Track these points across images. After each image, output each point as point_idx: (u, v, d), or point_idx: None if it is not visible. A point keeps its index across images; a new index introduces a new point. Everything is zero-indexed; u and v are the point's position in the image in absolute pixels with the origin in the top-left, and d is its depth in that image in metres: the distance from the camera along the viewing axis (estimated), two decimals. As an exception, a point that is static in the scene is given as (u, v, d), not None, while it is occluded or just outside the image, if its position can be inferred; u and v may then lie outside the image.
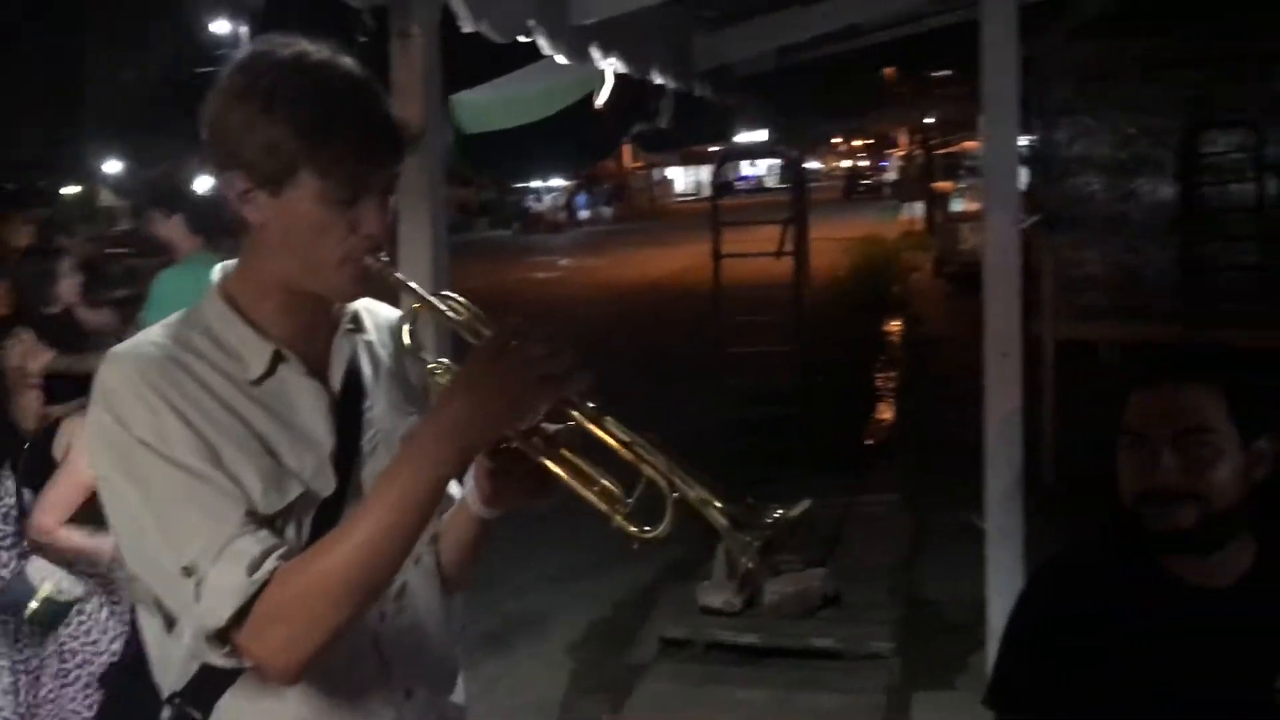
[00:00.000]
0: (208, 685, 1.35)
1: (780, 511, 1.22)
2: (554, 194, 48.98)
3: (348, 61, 1.35)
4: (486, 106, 4.66)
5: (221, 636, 1.25)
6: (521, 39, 2.65)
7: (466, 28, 2.32)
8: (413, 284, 1.37)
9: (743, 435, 5.41)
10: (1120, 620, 1.68)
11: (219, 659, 1.27)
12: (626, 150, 51.53)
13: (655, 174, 60.93)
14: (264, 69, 1.30)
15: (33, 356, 3.79)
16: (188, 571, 1.24)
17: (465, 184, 44.16)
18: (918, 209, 29.02)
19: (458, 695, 1.58)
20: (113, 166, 32.50)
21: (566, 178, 49.19)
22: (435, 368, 1.41)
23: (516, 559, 5.95)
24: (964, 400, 4.84)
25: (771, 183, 56.99)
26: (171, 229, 4.26)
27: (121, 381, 1.29)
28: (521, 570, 5.79)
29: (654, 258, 25.14)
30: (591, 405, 1.27)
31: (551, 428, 1.30)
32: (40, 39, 24.27)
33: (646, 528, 1.25)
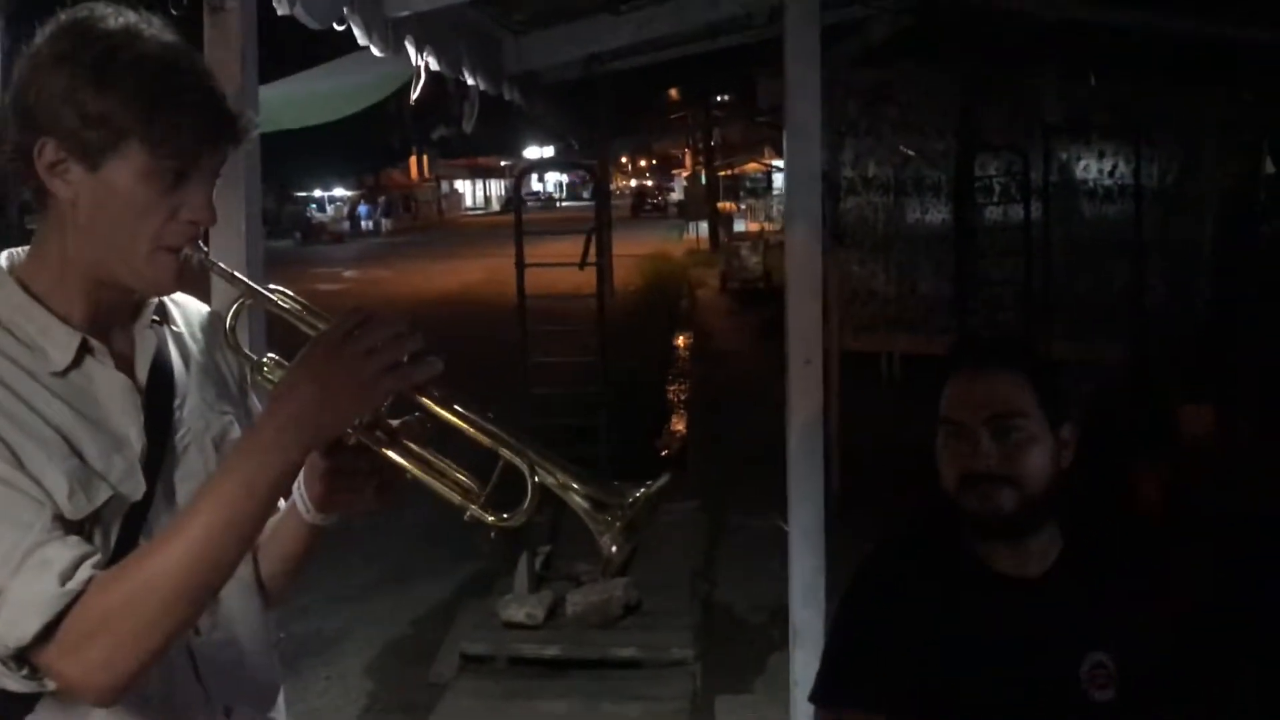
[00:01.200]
0: (6, 710, 1.21)
1: (640, 490, 1.18)
2: (336, 204, 47.70)
3: (179, 38, 1.25)
4: (283, 103, 4.44)
5: (22, 656, 1.12)
6: (337, 26, 2.55)
7: (281, 10, 2.21)
8: (238, 274, 1.28)
9: (546, 445, 5.36)
10: (937, 609, 1.74)
11: (17, 683, 1.14)
12: (414, 163, 50.74)
13: (444, 186, 60.29)
14: (93, 36, 1.19)
15: None
16: None
17: (242, 191, 42.39)
18: (703, 228, 29.86)
19: (278, 713, 1.48)
20: None
21: (349, 187, 48.04)
22: (264, 364, 1.32)
23: (308, 579, 5.71)
24: (753, 409, 4.99)
25: (560, 199, 57.36)
26: None
27: None
28: (308, 591, 5.56)
29: (444, 270, 24.79)
30: (439, 393, 1.21)
31: (395, 421, 1.24)
32: None
33: (505, 515, 1.20)
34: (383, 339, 1.14)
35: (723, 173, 32.97)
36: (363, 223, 44.84)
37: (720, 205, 30.61)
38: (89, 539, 1.19)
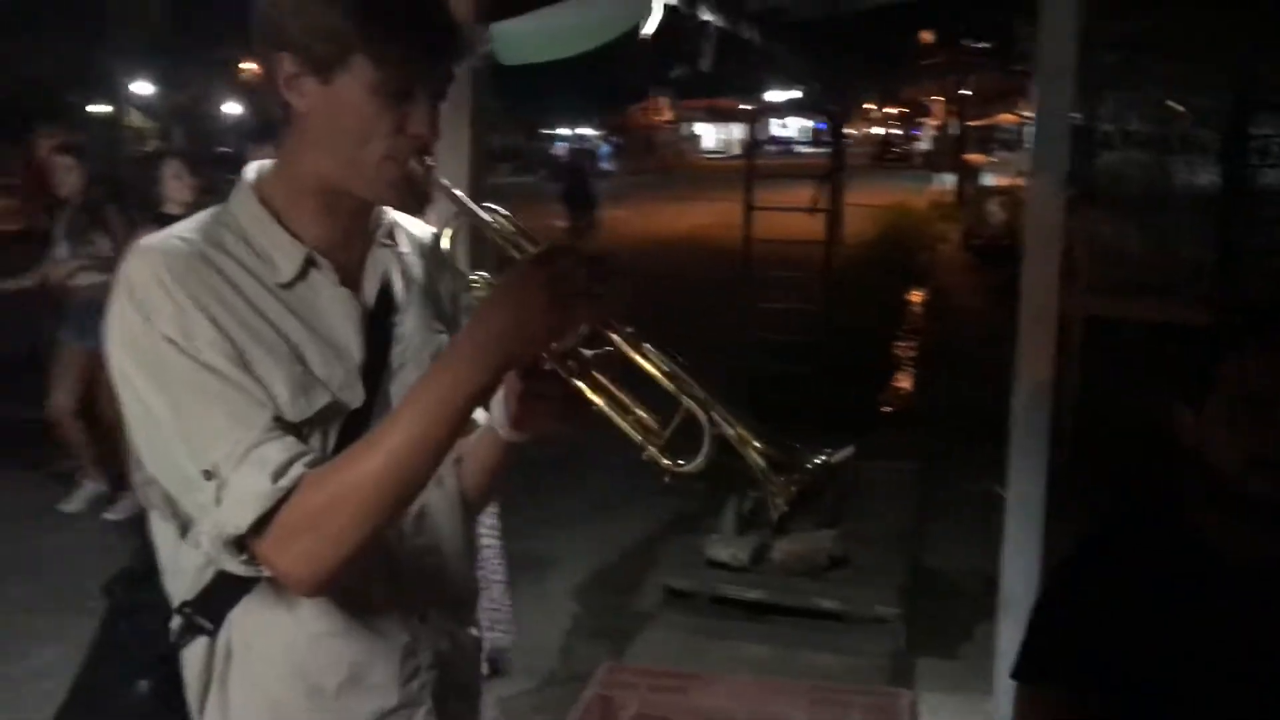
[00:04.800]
0: (220, 595, 1.32)
1: (821, 458, 1.16)
2: (585, 141, 48.65)
3: None
4: (526, 37, 4.54)
5: (240, 543, 1.21)
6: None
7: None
8: (457, 191, 1.31)
9: (764, 390, 5.34)
10: (1158, 595, 1.64)
11: (236, 566, 1.23)
12: (655, 104, 51.11)
13: (684, 129, 60.51)
14: None
15: None
16: (208, 475, 1.20)
17: (490, 128, 43.93)
18: (948, 180, 28.81)
19: (474, 625, 1.54)
20: (141, 88, 32.36)
21: (594, 127, 48.93)
22: (475, 281, 1.36)
23: (519, 502, 5.94)
24: (985, 373, 4.78)
25: (802, 147, 56.58)
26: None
27: (148, 275, 1.24)
28: (523, 513, 5.77)
29: (681, 212, 24.97)
30: (631, 331, 1.22)
31: (589, 352, 1.25)
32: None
33: (680, 461, 1.20)
34: (576, 269, 1.15)
35: (973, 123, 31.56)
36: (602, 163, 45.65)
37: (968, 157, 29.36)
38: (307, 441, 1.27)
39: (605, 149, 46.98)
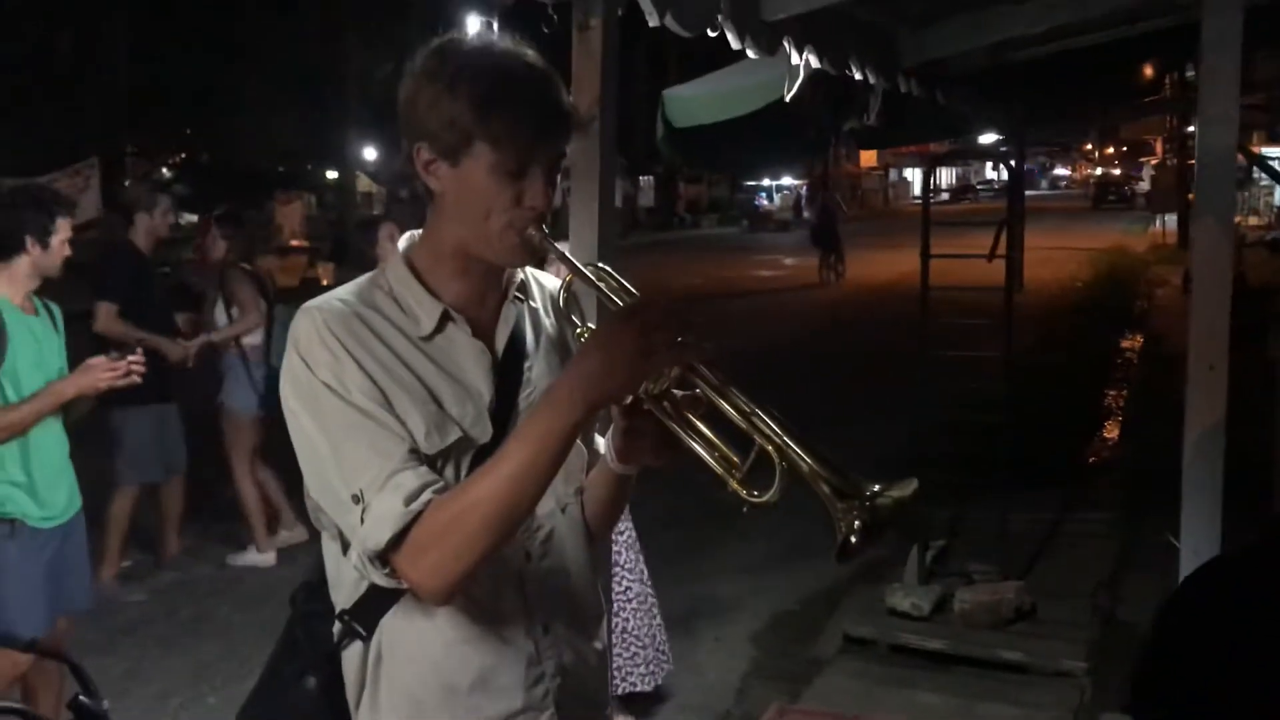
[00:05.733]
0: (373, 605, 1.53)
1: (884, 489, 1.27)
2: (783, 192, 48.87)
3: (527, 51, 1.50)
4: (694, 101, 4.77)
5: (382, 558, 1.41)
6: (710, 34, 2.75)
7: (652, 22, 2.44)
8: (566, 254, 1.50)
9: (963, 440, 5.30)
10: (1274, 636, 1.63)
11: (380, 579, 1.43)
12: (854, 151, 50.71)
13: (892, 174, 59.82)
14: (451, 55, 1.47)
15: None
16: (356, 499, 1.41)
17: (695, 181, 44.70)
18: (1170, 221, 27.38)
19: (599, 638, 1.70)
20: (369, 154, 34.74)
21: (796, 177, 49.01)
22: (582, 331, 1.54)
23: (708, 548, 6.08)
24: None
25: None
26: None
27: (310, 331, 1.48)
28: (711, 559, 5.91)
29: (878, 259, 24.69)
30: (718, 377, 1.36)
31: (680, 394, 1.40)
32: (304, 33, 26.31)
33: (755, 492, 1.33)
34: (661, 320, 1.31)
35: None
36: (805, 212, 45.61)
37: (1192, 197, 27.75)
38: (442, 471, 1.47)
39: (806, 198, 47.01)
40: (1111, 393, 10.84)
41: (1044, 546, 5.83)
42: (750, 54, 3.02)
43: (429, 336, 1.53)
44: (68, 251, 3.51)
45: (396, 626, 1.53)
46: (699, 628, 5.21)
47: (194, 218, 19.78)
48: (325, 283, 19.58)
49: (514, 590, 1.56)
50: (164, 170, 31.44)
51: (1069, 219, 35.02)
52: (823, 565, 6.01)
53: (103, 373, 3.31)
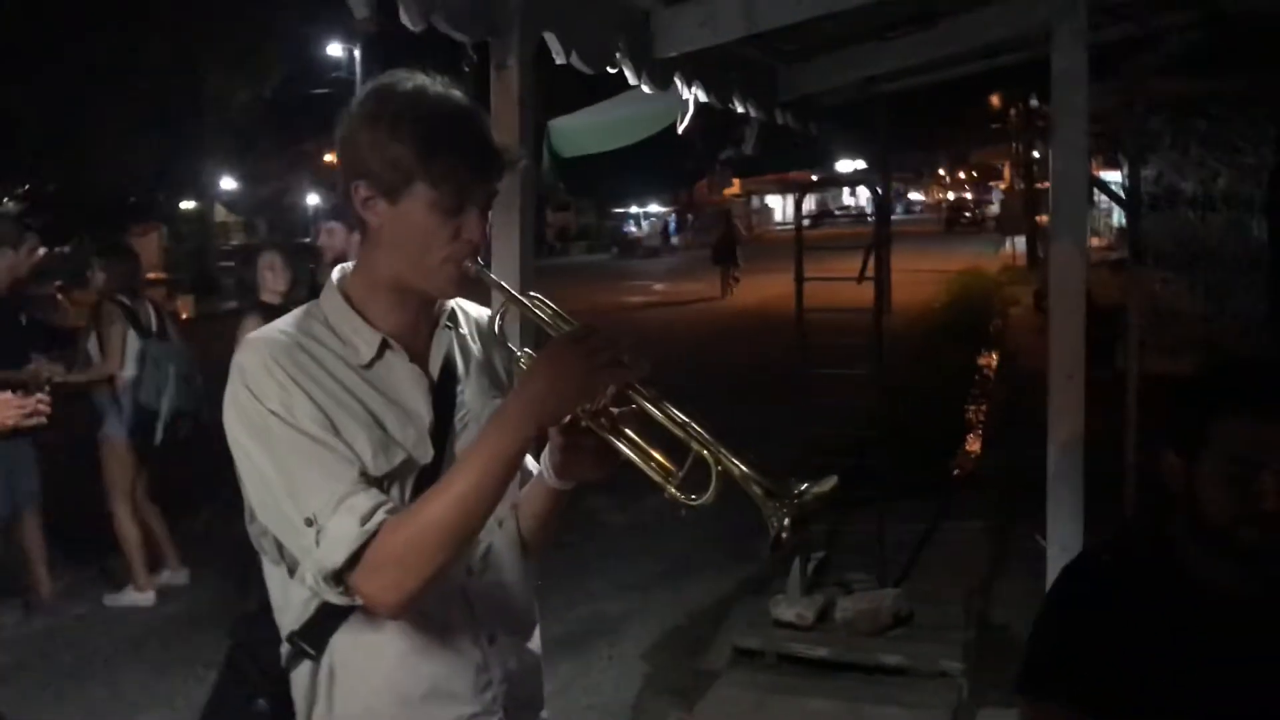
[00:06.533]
0: (322, 625, 1.59)
1: (809, 487, 1.40)
2: (651, 220, 49.44)
3: (458, 94, 1.59)
4: (581, 131, 4.91)
5: (338, 577, 1.47)
6: (609, 70, 2.88)
7: (559, 60, 2.56)
8: (503, 284, 1.60)
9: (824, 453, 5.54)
10: (1147, 618, 1.79)
11: (335, 597, 1.49)
12: (722, 179, 51.63)
13: (755, 201, 61.05)
14: (390, 97, 1.54)
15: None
16: (309, 522, 1.47)
17: (563, 208, 44.93)
18: (1020, 243, 28.71)
19: (534, 644, 1.79)
20: (227, 184, 33.88)
21: (663, 204, 49.68)
22: (521, 357, 1.63)
23: (592, 567, 6.17)
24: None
25: (869, 214, 56.49)
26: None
27: (256, 362, 1.53)
28: (597, 578, 6.00)
29: (745, 285, 25.25)
30: (650, 392, 1.47)
31: (616, 410, 1.51)
32: (159, 59, 25.50)
33: (693, 496, 1.44)
34: (603, 344, 1.43)
35: (1044, 185, 31.44)
36: (672, 239, 46.27)
37: (1039, 219, 29.18)
38: (388, 493, 1.54)
39: (673, 226, 47.69)
40: (974, 408, 11.35)
41: (918, 554, 6.10)
42: (645, 89, 3.16)
43: (369, 364, 1.59)
44: None
45: (347, 643, 1.59)
46: (592, 646, 5.28)
47: (42, 250, 18.94)
48: (185, 316, 19.07)
49: (460, 602, 1.63)
50: (7, 201, 30.06)
51: (924, 242, 36.40)
52: (706, 580, 6.17)
53: (9, 410, 3.21)
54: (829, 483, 1.41)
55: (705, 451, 1.43)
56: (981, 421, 10.75)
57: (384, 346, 1.61)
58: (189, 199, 33.33)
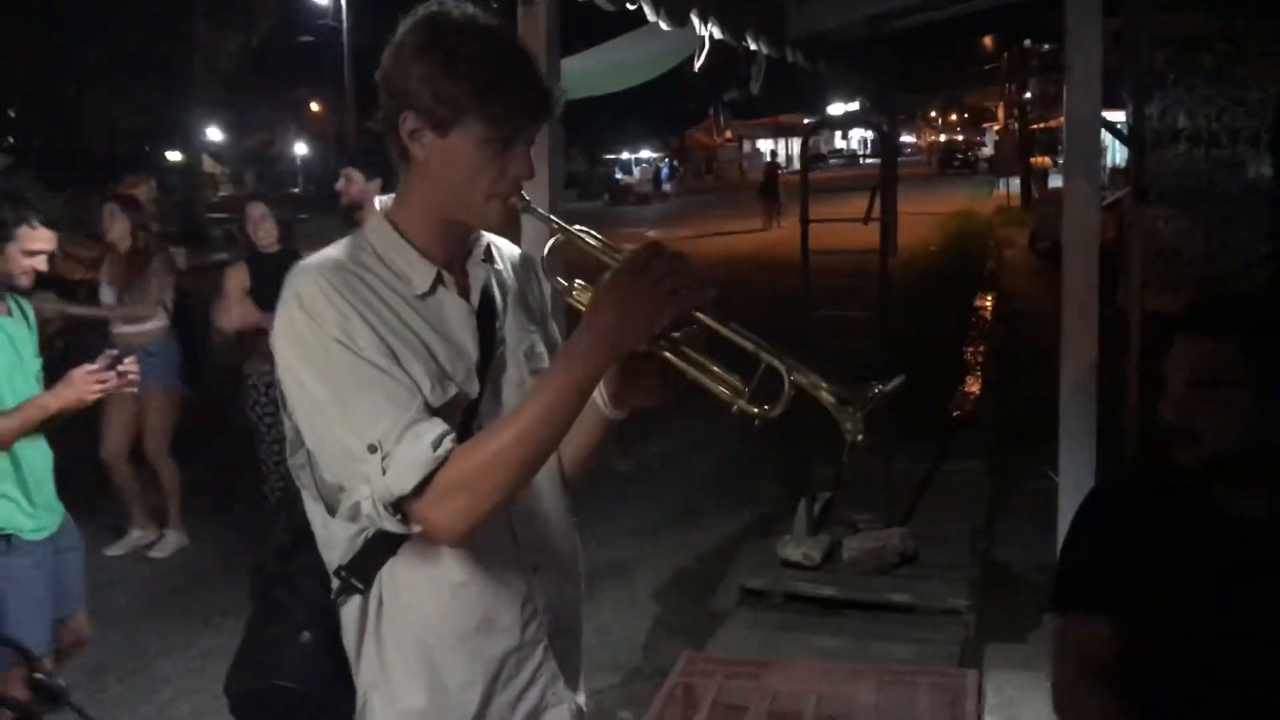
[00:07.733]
0: (370, 559, 1.59)
1: (879, 387, 1.42)
2: (642, 165, 49.10)
3: (509, 28, 1.57)
4: (590, 72, 4.85)
5: (398, 505, 1.47)
6: (629, 6, 2.85)
7: (580, -4, 2.54)
8: (553, 217, 1.60)
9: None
10: (1167, 537, 1.85)
11: (393, 525, 1.49)
12: (717, 123, 51.28)
13: (746, 146, 60.69)
14: (443, 29, 1.52)
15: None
16: (372, 449, 1.46)
17: (554, 155, 44.51)
18: (1014, 184, 28.65)
19: (579, 577, 1.81)
20: (214, 134, 33.55)
21: (655, 150, 49.34)
22: (574, 287, 1.63)
23: (602, 512, 6.22)
24: (1053, 371, 4.92)
25: (865, 155, 56.37)
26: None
27: (314, 289, 1.52)
28: (607, 523, 6.04)
29: (741, 230, 25.20)
30: (714, 313, 1.47)
31: (677, 333, 1.50)
32: (146, 8, 25.09)
33: (765, 406, 1.45)
34: (669, 269, 1.42)
35: (1037, 126, 31.36)
36: (664, 184, 45.94)
37: (1034, 160, 29.11)
38: None
39: (665, 171, 47.33)
40: (972, 349, 11.40)
41: (923, 494, 6.15)
42: (663, 25, 3.13)
43: (423, 296, 1.59)
44: (35, 265, 3.22)
45: (398, 576, 1.59)
46: (602, 589, 5.33)
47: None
48: (179, 266, 18.91)
49: (506, 535, 1.64)
50: (-8, 156, 29.74)
51: (917, 184, 36.27)
52: (715, 524, 6.23)
53: (89, 385, 3.10)
54: (897, 381, 1.43)
55: (777, 362, 1.44)
56: (979, 363, 10.80)
57: (438, 279, 1.61)
58: (175, 150, 33.03)
